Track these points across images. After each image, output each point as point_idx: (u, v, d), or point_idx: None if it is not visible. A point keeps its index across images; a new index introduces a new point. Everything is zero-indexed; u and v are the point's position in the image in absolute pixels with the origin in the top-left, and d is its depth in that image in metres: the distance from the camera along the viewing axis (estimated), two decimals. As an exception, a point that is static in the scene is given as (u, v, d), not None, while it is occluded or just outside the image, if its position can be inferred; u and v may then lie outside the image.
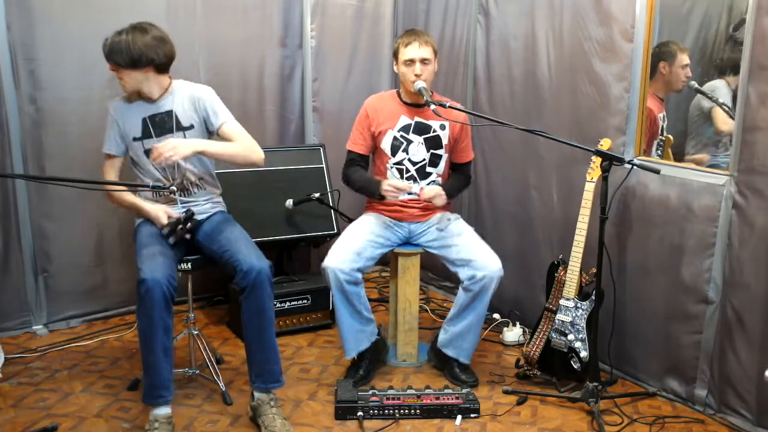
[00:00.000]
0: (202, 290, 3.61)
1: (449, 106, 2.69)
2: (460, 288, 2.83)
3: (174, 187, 2.38)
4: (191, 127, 2.64)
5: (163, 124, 2.61)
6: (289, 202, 3.45)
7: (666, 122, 2.90)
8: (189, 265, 2.62)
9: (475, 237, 2.89)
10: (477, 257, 2.78)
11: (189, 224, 2.54)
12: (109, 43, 2.49)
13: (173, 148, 2.38)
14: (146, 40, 2.47)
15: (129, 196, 2.64)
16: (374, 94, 3.07)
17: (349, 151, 2.99)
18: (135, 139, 2.62)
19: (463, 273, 2.79)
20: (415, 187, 2.91)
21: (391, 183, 2.82)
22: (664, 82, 2.83)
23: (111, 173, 2.69)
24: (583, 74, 2.94)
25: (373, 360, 2.92)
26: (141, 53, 2.46)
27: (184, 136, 2.62)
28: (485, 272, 2.73)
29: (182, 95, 2.64)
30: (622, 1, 2.74)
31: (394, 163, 2.92)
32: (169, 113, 2.61)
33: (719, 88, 2.69)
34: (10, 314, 3.21)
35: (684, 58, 2.79)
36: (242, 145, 2.60)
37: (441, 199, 2.88)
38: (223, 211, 2.80)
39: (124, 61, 2.47)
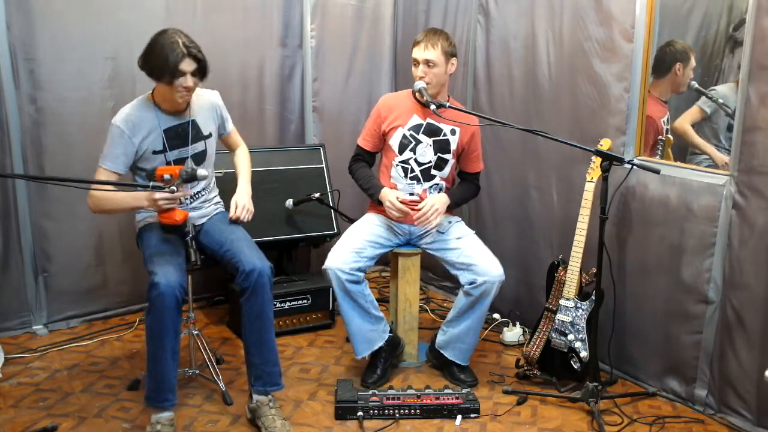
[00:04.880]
0: (202, 290, 3.62)
1: (449, 106, 2.69)
2: (460, 291, 2.82)
3: (174, 187, 2.37)
4: (209, 135, 2.63)
5: (185, 135, 2.54)
6: (289, 202, 3.45)
7: (669, 125, 2.89)
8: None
9: (476, 241, 2.88)
10: (478, 262, 2.76)
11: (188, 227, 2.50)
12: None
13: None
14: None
15: (112, 195, 2.41)
16: (390, 93, 3.06)
17: (358, 146, 3.00)
18: (156, 152, 2.50)
19: (463, 277, 2.78)
20: (417, 188, 2.91)
21: (393, 201, 2.79)
22: (674, 84, 2.82)
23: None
24: (583, 74, 2.94)
25: (389, 358, 2.90)
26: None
27: (204, 146, 2.61)
28: (486, 277, 2.72)
29: (199, 103, 2.61)
30: (622, 1, 2.74)
31: (400, 161, 2.90)
32: (191, 123, 2.56)
33: (728, 96, 2.67)
34: (10, 314, 3.21)
35: (693, 59, 2.78)
36: (248, 158, 2.84)
37: (436, 215, 2.79)
38: (223, 211, 2.79)
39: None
